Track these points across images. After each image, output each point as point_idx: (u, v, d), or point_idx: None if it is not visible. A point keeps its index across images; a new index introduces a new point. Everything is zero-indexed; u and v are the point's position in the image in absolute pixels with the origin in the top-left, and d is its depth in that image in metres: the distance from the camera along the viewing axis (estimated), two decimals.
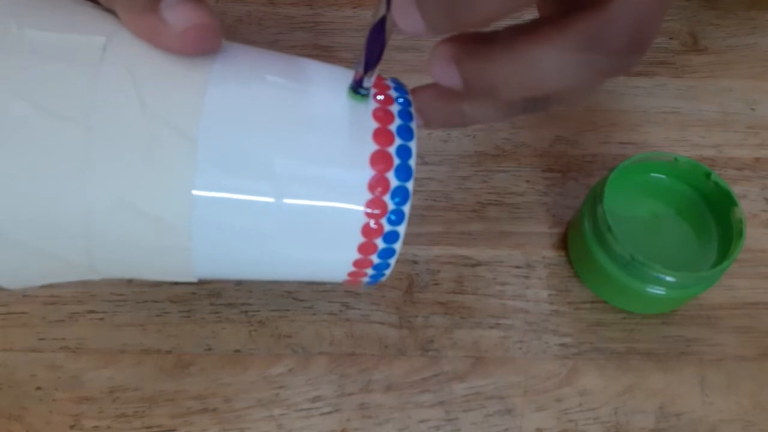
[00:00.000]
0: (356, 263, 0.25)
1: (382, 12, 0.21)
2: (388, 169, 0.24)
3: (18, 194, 0.22)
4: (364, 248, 0.25)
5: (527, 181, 0.40)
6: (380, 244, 0.25)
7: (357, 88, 0.24)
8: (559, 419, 0.33)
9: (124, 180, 0.22)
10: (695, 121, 0.42)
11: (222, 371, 0.33)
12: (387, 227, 0.24)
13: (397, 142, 0.24)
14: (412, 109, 0.25)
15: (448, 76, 0.23)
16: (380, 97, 0.25)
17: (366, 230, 0.24)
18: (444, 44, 0.23)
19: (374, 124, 0.24)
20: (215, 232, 0.23)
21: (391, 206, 0.24)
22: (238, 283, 0.35)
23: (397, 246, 0.25)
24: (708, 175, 0.35)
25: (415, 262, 0.37)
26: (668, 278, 0.32)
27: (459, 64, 0.23)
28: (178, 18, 0.21)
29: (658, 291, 0.33)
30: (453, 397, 0.33)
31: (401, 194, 0.24)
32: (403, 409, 0.33)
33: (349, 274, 0.26)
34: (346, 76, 0.25)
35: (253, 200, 0.23)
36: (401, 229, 0.24)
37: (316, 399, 0.33)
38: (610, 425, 0.33)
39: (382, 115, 0.24)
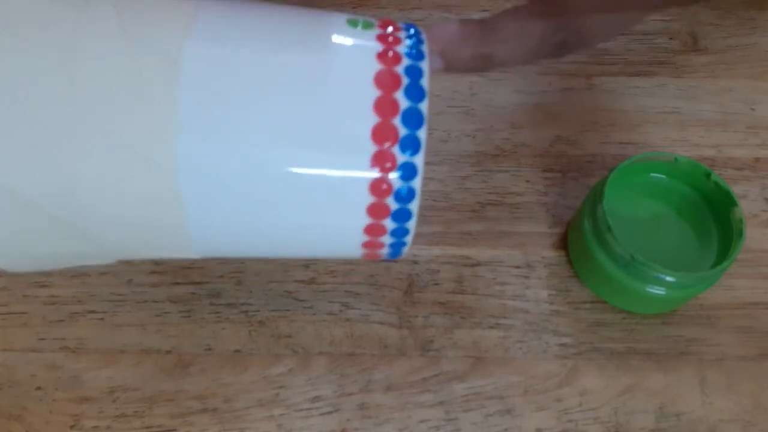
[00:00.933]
0: (368, 229, 0.22)
1: None
2: (393, 116, 0.21)
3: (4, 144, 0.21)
4: (375, 210, 0.22)
5: (527, 181, 0.40)
6: (393, 204, 0.22)
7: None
8: (559, 419, 0.33)
9: (110, 118, 0.21)
10: (695, 121, 0.42)
11: (222, 371, 0.33)
12: (398, 183, 0.21)
13: (405, 82, 0.21)
14: (424, 48, 0.22)
15: None
16: (388, 30, 0.22)
17: (375, 188, 0.21)
18: None
19: (378, 66, 0.21)
20: (204, 183, 0.21)
21: (400, 159, 0.21)
22: (238, 283, 0.35)
23: (414, 206, 0.22)
24: (708, 175, 0.35)
25: (415, 262, 0.37)
26: (668, 278, 0.32)
27: None
28: None
29: (658, 291, 0.33)
30: (453, 397, 0.33)
31: (412, 145, 0.21)
32: (403, 409, 0.33)
33: (364, 245, 0.23)
34: (341, 18, 0.23)
35: (240, 151, 0.21)
36: (416, 184, 0.22)
37: (316, 399, 0.33)
38: (610, 425, 0.33)
39: (387, 56, 0.22)
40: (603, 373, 0.34)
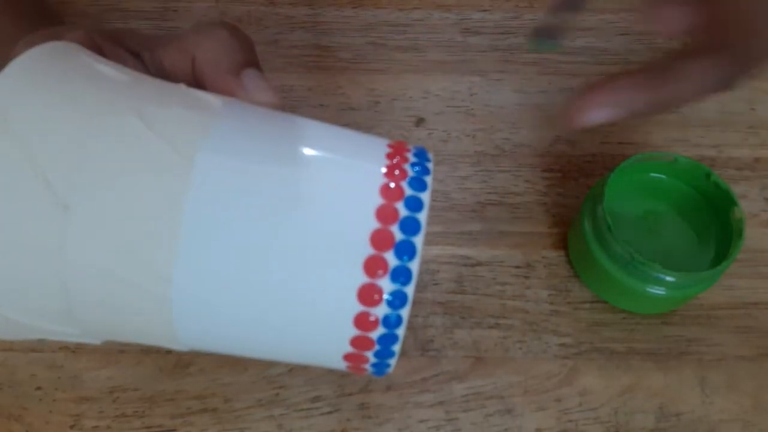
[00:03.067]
0: (349, 357, 0.23)
1: None
2: (387, 250, 0.22)
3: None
4: (359, 343, 0.22)
5: (527, 181, 0.40)
6: (376, 338, 0.22)
7: (545, 37, 0.21)
8: (559, 419, 0.33)
9: (104, 253, 0.21)
10: (695, 121, 0.42)
11: (222, 371, 0.33)
12: (386, 313, 0.22)
13: (403, 215, 0.22)
14: (429, 179, 0.23)
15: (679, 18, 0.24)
16: (390, 166, 0.23)
17: (359, 322, 0.22)
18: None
19: (380, 200, 0.22)
20: (198, 297, 0.22)
21: (390, 288, 0.22)
22: None
23: (396, 348, 0.23)
24: (708, 175, 0.35)
25: None
26: (668, 278, 0.32)
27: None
28: (255, 90, 0.25)
29: (658, 291, 0.33)
30: (453, 397, 0.33)
31: (403, 273, 0.22)
32: (403, 409, 0.33)
33: (346, 358, 0.24)
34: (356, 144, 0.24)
35: (236, 281, 0.22)
36: (404, 314, 0.22)
37: (316, 399, 0.33)
38: (610, 425, 0.33)
39: (390, 189, 0.22)
40: (603, 373, 0.34)
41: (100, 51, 0.26)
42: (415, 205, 0.22)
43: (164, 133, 0.21)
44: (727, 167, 0.41)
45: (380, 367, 0.24)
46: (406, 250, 0.22)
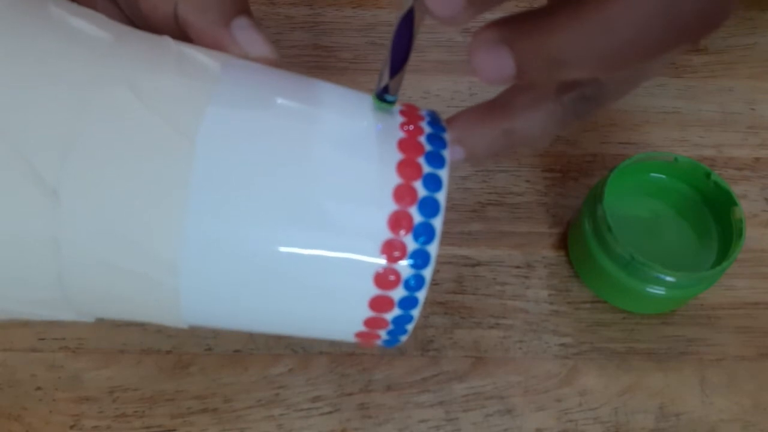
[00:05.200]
0: (367, 322, 0.22)
1: (409, 3, 0.19)
2: (411, 204, 0.20)
3: None
4: (377, 304, 0.21)
5: (527, 181, 0.40)
6: (395, 301, 0.21)
7: (383, 95, 0.22)
8: (559, 419, 0.33)
9: (100, 243, 0.20)
10: (695, 121, 0.42)
11: (222, 371, 0.33)
12: (407, 273, 0.21)
13: (426, 170, 0.21)
14: (446, 136, 0.22)
15: (499, 62, 0.20)
16: (409, 127, 0.22)
17: (380, 280, 0.21)
18: (489, 27, 0.20)
19: (399, 155, 0.21)
20: (207, 280, 0.21)
21: (411, 247, 0.20)
22: None
23: (416, 313, 0.22)
24: (708, 175, 0.35)
25: None
26: (668, 278, 0.32)
27: (513, 45, 0.19)
28: (248, 43, 0.22)
29: (658, 291, 0.33)
30: (453, 397, 0.33)
31: (426, 232, 0.20)
32: (403, 409, 0.33)
33: (358, 335, 0.23)
34: (361, 100, 0.23)
35: (248, 249, 0.20)
36: (426, 274, 0.21)
37: (316, 399, 0.33)
38: (610, 425, 0.33)
39: (409, 143, 0.21)
40: (603, 373, 0.34)
41: None
42: (437, 161, 0.21)
43: (160, 109, 0.20)
44: (727, 167, 0.41)
45: (396, 334, 0.23)
46: (430, 208, 0.21)
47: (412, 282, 0.21)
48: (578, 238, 0.35)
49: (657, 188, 0.36)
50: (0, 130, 0.19)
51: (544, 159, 0.40)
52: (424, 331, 0.35)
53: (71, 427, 0.32)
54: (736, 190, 0.35)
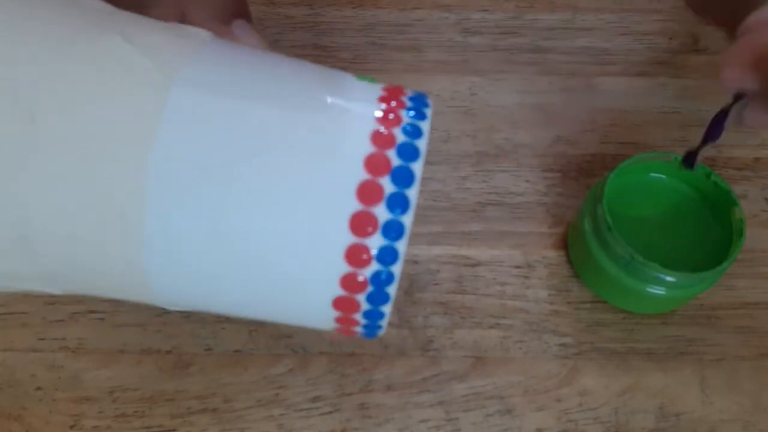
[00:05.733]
0: (338, 303, 0.21)
1: (729, 105, 0.29)
2: (376, 202, 0.20)
3: None
4: (348, 283, 0.20)
5: (527, 181, 0.40)
6: (367, 279, 0.20)
7: (689, 164, 0.32)
8: (559, 419, 0.33)
9: (69, 174, 0.19)
10: (695, 121, 0.42)
11: (222, 371, 0.33)
12: (377, 251, 0.20)
13: (395, 163, 0.20)
14: (425, 126, 0.22)
15: (744, 79, 0.28)
16: (381, 110, 0.21)
17: (350, 256, 0.20)
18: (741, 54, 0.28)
19: (369, 148, 0.20)
20: (171, 237, 0.20)
21: (381, 230, 0.20)
22: None
23: (392, 289, 0.21)
24: (708, 175, 0.35)
25: (415, 262, 0.37)
26: (668, 278, 0.32)
27: (759, 70, 0.27)
28: (244, 36, 0.26)
29: (658, 291, 0.33)
30: (453, 397, 0.33)
31: (395, 230, 0.20)
32: (403, 409, 0.33)
33: (337, 320, 0.22)
34: (328, 79, 0.22)
35: (212, 211, 0.20)
36: (396, 269, 0.20)
37: (316, 399, 0.33)
38: (610, 425, 0.33)
39: (379, 138, 0.20)
40: (603, 373, 0.34)
41: None
42: (409, 154, 0.20)
43: (146, 52, 0.20)
44: (727, 167, 0.41)
45: (371, 329, 0.22)
46: (398, 203, 0.20)
47: (383, 276, 0.20)
48: (578, 238, 0.35)
49: (657, 188, 0.36)
50: None
51: (544, 159, 0.40)
52: (424, 331, 0.35)
53: (71, 427, 0.32)
54: (736, 190, 0.35)
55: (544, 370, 0.34)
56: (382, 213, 0.20)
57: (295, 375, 0.33)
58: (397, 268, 0.20)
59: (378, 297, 0.21)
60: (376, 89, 0.22)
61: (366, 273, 0.20)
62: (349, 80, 0.23)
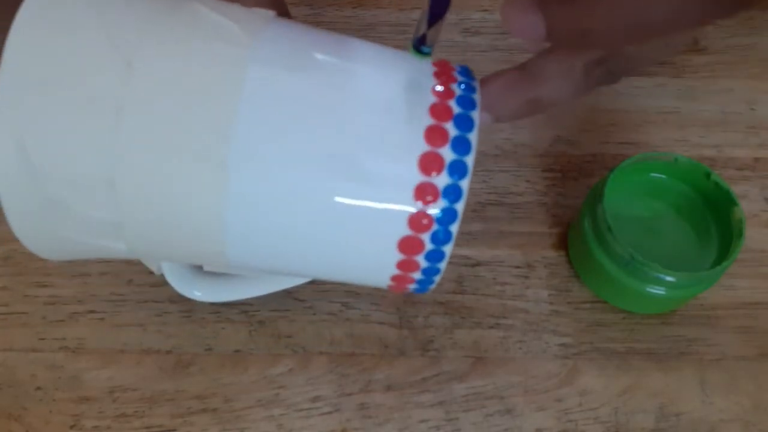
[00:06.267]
0: (400, 265, 0.23)
1: None
2: (437, 171, 0.22)
3: (54, 137, 0.21)
4: (409, 246, 0.22)
5: (527, 181, 0.40)
6: (428, 241, 0.22)
7: (419, 46, 0.23)
8: (559, 419, 0.33)
9: (162, 117, 0.21)
10: (695, 121, 0.42)
11: (222, 371, 0.33)
12: (438, 215, 0.22)
13: (453, 134, 0.22)
14: (476, 97, 0.23)
15: (530, 24, 0.21)
16: (439, 89, 0.23)
17: (413, 223, 0.22)
18: None
19: (429, 120, 0.22)
20: (247, 204, 0.22)
21: (443, 191, 0.22)
22: None
23: (447, 249, 0.23)
24: (708, 175, 0.35)
25: None
26: (668, 278, 0.32)
27: (545, 11, 0.21)
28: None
29: (658, 291, 0.33)
30: (453, 397, 0.33)
31: (454, 193, 0.22)
32: (403, 409, 0.33)
33: (393, 278, 0.24)
34: (398, 58, 0.24)
35: (284, 187, 0.22)
36: (459, 207, 0.22)
37: (316, 399, 0.33)
38: (610, 425, 0.33)
39: (439, 108, 0.22)
40: (603, 373, 0.34)
41: None
42: (465, 123, 0.23)
43: (227, 16, 0.22)
44: (727, 167, 0.41)
45: (429, 274, 0.24)
46: (457, 170, 0.22)
47: (444, 218, 0.22)
48: (578, 238, 0.35)
49: (657, 188, 0.36)
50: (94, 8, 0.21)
51: (544, 159, 0.40)
52: (424, 331, 0.35)
53: (71, 427, 0.32)
54: (736, 190, 0.35)
55: (544, 370, 0.34)
56: (447, 154, 0.22)
57: (295, 375, 0.33)
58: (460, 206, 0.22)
59: (442, 235, 0.22)
60: (429, 65, 0.24)
61: (432, 211, 0.22)
62: (406, 56, 0.24)
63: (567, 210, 0.39)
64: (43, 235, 0.23)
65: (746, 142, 0.42)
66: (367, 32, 0.44)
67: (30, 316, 0.34)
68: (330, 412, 0.33)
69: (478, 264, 0.37)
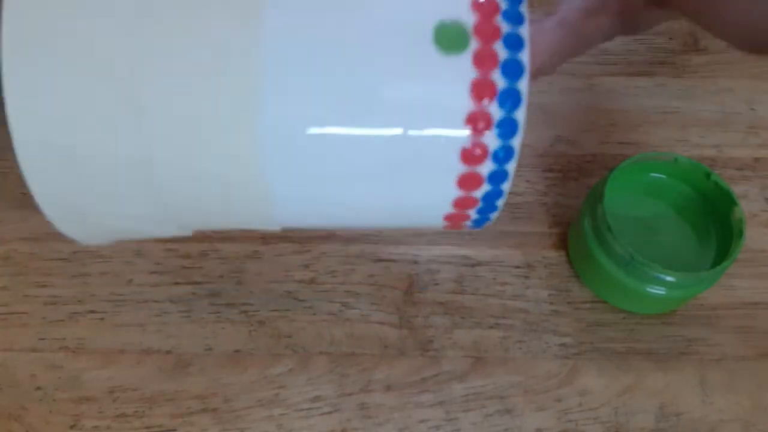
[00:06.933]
0: (457, 203, 0.21)
1: None
2: (489, 98, 0.20)
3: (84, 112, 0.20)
4: (466, 181, 0.21)
5: (527, 181, 0.40)
6: (485, 172, 0.20)
7: None
8: (559, 419, 0.33)
9: (189, 78, 0.20)
10: (695, 121, 0.42)
11: (222, 371, 0.33)
12: (494, 144, 0.20)
13: (505, 29, 0.20)
14: (524, 8, 0.22)
15: None
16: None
17: (467, 155, 0.20)
18: None
19: (476, 44, 0.20)
20: (289, 150, 0.20)
21: (497, 117, 0.20)
22: (238, 283, 0.35)
23: (511, 167, 0.21)
24: (708, 175, 0.35)
25: (415, 262, 0.37)
26: (668, 278, 0.32)
27: None
28: None
29: (658, 291, 0.33)
30: (453, 397, 0.33)
31: (512, 98, 0.20)
32: (403, 409, 0.33)
33: (447, 218, 0.22)
34: None
35: (326, 116, 0.20)
36: (515, 143, 0.21)
37: (316, 399, 0.33)
38: (610, 425, 0.33)
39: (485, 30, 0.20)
40: (603, 373, 0.34)
41: None
42: (515, 18, 0.21)
43: None
44: (727, 167, 0.41)
45: (486, 211, 0.22)
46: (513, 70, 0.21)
47: (501, 154, 0.20)
48: (578, 238, 0.35)
49: (657, 188, 0.36)
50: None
51: (544, 159, 0.40)
52: (424, 331, 0.35)
53: (71, 427, 0.32)
54: (736, 190, 0.35)
55: (544, 370, 0.34)
56: (500, 80, 0.20)
57: (295, 375, 0.33)
58: (516, 141, 0.21)
59: (503, 157, 0.21)
60: None
61: (486, 141, 0.20)
62: None
63: (567, 210, 0.39)
64: (69, 206, 0.22)
65: (746, 142, 0.42)
66: None
67: (30, 316, 0.34)
68: (330, 412, 0.33)
69: (478, 264, 0.37)
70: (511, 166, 0.21)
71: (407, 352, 0.34)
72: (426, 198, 0.22)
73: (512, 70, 0.20)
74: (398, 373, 0.34)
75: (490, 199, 0.21)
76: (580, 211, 0.35)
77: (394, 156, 0.20)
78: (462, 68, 0.20)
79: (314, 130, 0.20)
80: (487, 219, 0.22)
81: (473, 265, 0.37)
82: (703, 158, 0.41)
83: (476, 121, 0.20)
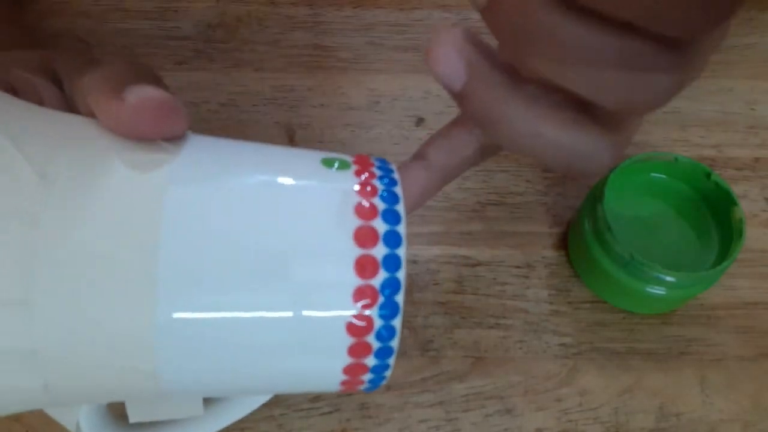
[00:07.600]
0: (348, 370, 0.22)
1: None
2: (372, 276, 0.21)
3: None
4: (355, 351, 0.21)
5: (527, 181, 0.40)
6: (374, 342, 0.21)
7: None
8: (559, 419, 0.33)
9: (73, 309, 0.19)
10: (695, 121, 0.42)
11: None
12: (379, 322, 0.21)
13: (384, 229, 0.21)
14: (398, 190, 0.22)
15: (452, 71, 0.20)
16: (366, 188, 0.22)
17: (354, 329, 0.21)
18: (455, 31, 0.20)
19: (356, 221, 0.21)
20: (181, 340, 0.20)
21: (381, 297, 0.21)
22: None
23: (395, 343, 0.22)
24: (708, 175, 0.35)
25: (415, 262, 0.37)
26: (668, 278, 0.32)
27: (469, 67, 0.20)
28: (137, 96, 0.20)
29: (658, 291, 0.33)
30: (453, 397, 0.33)
31: (392, 286, 0.21)
32: (403, 409, 0.33)
33: (343, 384, 0.23)
34: (314, 160, 0.23)
35: (221, 319, 0.20)
36: (396, 323, 0.21)
37: (316, 399, 0.33)
38: (610, 425, 0.33)
39: (365, 209, 0.21)
40: (603, 373, 0.34)
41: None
42: (392, 218, 0.21)
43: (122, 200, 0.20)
44: (727, 167, 0.41)
45: (377, 379, 0.23)
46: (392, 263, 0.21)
47: (384, 332, 0.21)
48: (578, 238, 0.35)
49: (657, 188, 0.36)
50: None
51: None
52: (424, 331, 0.35)
53: None
54: (736, 190, 0.35)
55: (544, 370, 0.34)
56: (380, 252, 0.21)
57: None
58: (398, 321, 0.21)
59: (386, 332, 0.21)
60: (350, 162, 0.23)
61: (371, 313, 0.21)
62: (323, 156, 0.23)
63: (567, 210, 0.39)
64: None
65: (746, 142, 0.42)
66: (367, 32, 0.44)
67: None
68: (330, 412, 0.33)
69: (478, 264, 0.37)
70: (394, 343, 0.22)
71: (407, 352, 0.34)
72: (319, 370, 0.22)
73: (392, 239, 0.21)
74: (398, 373, 0.34)
75: (378, 368, 0.22)
76: (580, 211, 0.35)
77: (285, 334, 0.21)
78: (345, 246, 0.21)
79: (206, 308, 0.20)
80: (383, 379, 0.23)
81: (473, 265, 0.37)
82: (703, 158, 0.41)
83: (362, 295, 0.21)
